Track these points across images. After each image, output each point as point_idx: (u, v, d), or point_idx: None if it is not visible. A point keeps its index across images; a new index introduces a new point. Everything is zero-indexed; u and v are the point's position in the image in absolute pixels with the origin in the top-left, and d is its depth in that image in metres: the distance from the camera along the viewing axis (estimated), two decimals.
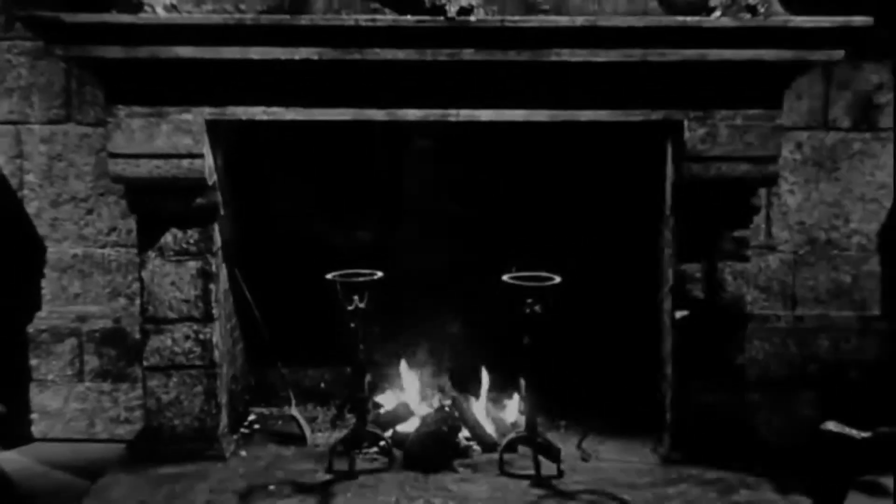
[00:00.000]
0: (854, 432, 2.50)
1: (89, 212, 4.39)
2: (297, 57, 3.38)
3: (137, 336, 4.29)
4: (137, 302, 4.25)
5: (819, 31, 3.34)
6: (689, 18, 3.38)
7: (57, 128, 4.36)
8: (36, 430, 4.39)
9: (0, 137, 4.34)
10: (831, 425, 2.56)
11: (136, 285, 4.34)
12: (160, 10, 3.32)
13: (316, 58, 3.39)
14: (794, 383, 4.40)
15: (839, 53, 3.40)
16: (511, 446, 3.76)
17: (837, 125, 4.34)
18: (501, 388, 4.11)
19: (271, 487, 3.54)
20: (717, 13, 3.35)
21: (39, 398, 4.41)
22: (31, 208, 4.39)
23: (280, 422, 4.16)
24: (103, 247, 4.42)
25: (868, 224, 4.39)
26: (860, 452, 2.49)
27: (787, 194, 4.36)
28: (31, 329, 4.43)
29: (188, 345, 3.74)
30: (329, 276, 3.62)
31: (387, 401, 4.14)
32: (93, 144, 4.34)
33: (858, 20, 3.35)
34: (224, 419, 3.82)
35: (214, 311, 3.74)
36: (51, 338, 4.42)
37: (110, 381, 4.44)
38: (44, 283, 4.45)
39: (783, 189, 4.34)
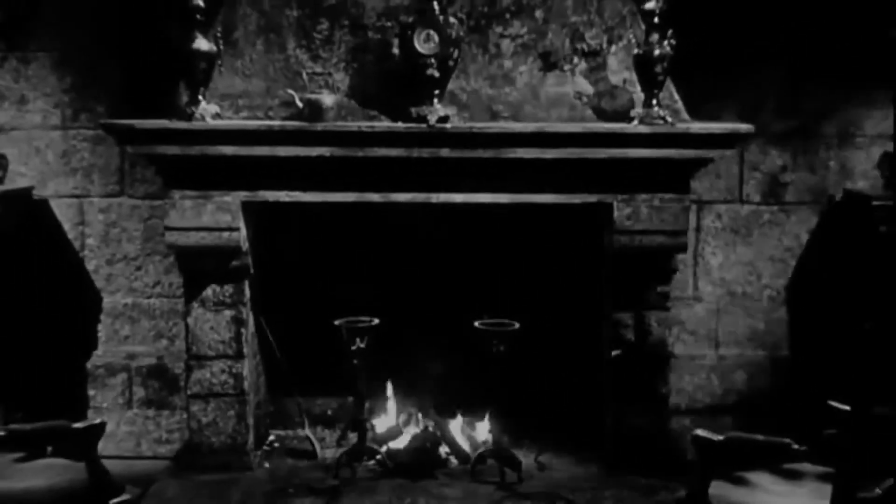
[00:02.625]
0: (714, 436, 3.37)
1: (138, 268, 5.15)
2: (313, 154, 4.26)
3: (177, 371, 5.13)
4: (177, 343, 5.10)
5: (713, 135, 4.27)
6: (614, 125, 4.30)
7: (112, 200, 5.11)
8: None
9: (66, 208, 5.09)
10: (700, 432, 3.43)
11: (175, 329, 5.12)
12: (208, 118, 4.26)
13: (328, 154, 4.27)
14: (716, 410, 5.18)
15: (730, 151, 4.34)
16: (481, 459, 4.54)
17: (750, 199, 5.14)
18: (474, 412, 4.80)
19: (290, 490, 4.37)
20: (636, 122, 4.29)
21: None
22: (90, 266, 5.14)
23: (295, 441, 4.93)
24: (149, 297, 5.17)
25: (777, 280, 5.18)
26: (717, 451, 3.37)
27: (710, 256, 5.17)
28: (89, 365, 5.16)
29: (223, 377, 4.56)
30: (336, 322, 4.45)
31: (382, 423, 4.82)
32: (142, 214, 5.12)
33: (744, 127, 4.30)
34: (251, 437, 4.64)
35: (244, 350, 4.56)
36: (105, 372, 5.17)
37: (154, 408, 5.20)
38: (100, 327, 5.17)
39: (707, 251, 5.18)
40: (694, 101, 4.67)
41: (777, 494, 3.31)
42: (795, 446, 3.23)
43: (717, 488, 3.32)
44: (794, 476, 3.40)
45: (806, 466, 3.39)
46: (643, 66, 4.25)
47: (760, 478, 3.41)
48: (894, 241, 4.57)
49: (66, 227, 5.18)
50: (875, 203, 4.71)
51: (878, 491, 3.08)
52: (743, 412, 5.20)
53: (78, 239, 5.19)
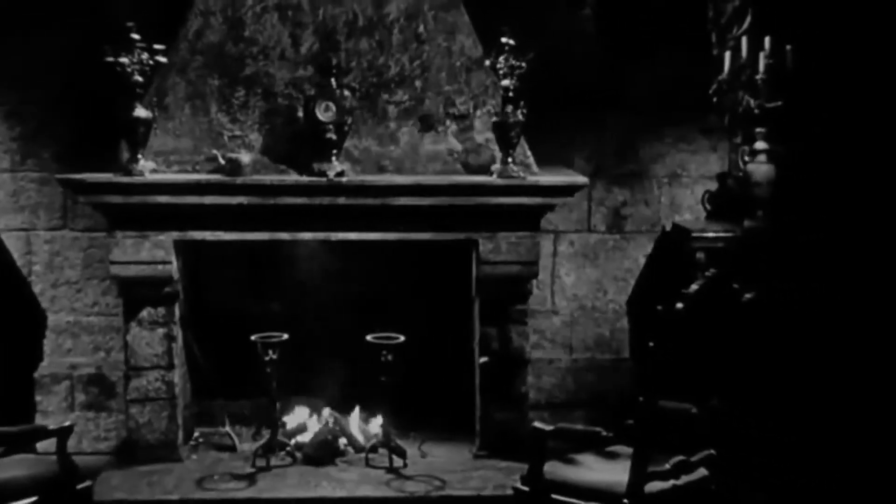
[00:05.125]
0: (546, 426, 4.31)
1: (78, 291, 5.92)
2: (233, 202, 5.17)
3: (114, 379, 5.91)
4: (113, 354, 5.89)
5: (556, 187, 5.30)
6: (478, 178, 5.29)
7: (56, 233, 5.88)
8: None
9: (16, 240, 5.85)
10: (537, 423, 4.38)
11: (112, 342, 5.89)
12: (147, 173, 5.14)
13: (245, 202, 5.18)
14: (571, 405, 6.11)
15: (570, 198, 5.37)
16: (374, 448, 5.42)
17: (597, 229, 6.11)
18: (369, 410, 5.61)
19: (216, 477, 5.25)
20: (496, 175, 5.27)
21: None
22: (37, 289, 5.89)
23: (217, 437, 5.73)
24: (88, 315, 5.93)
25: (620, 296, 6.15)
26: (548, 437, 4.32)
27: (565, 276, 6.12)
28: (36, 375, 5.89)
29: (157, 384, 5.40)
30: (252, 337, 5.29)
31: (291, 420, 5.60)
32: (82, 244, 5.88)
33: (581, 179, 5.35)
34: (181, 435, 5.48)
35: (175, 362, 5.40)
36: (51, 381, 5.91)
37: (93, 411, 5.93)
38: (45, 342, 5.92)
39: (562, 272, 6.12)
40: (551, 149, 5.73)
41: (596, 470, 4.25)
42: (605, 433, 4.22)
43: (551, 467, 4.26)
44: (612, 456, 4.34)
45: (624, 449, 4.27)
46: (500, 130, 5.25)
47: (586, 458, 4.36)
48: (707, 265, 5.59)
49: (16, 256, 5.94)
50: (693, 234, 5.76)
51: (667, 466, 4.11)
52: (593, 407, 6.11)
53: (26, 266, 5.95)
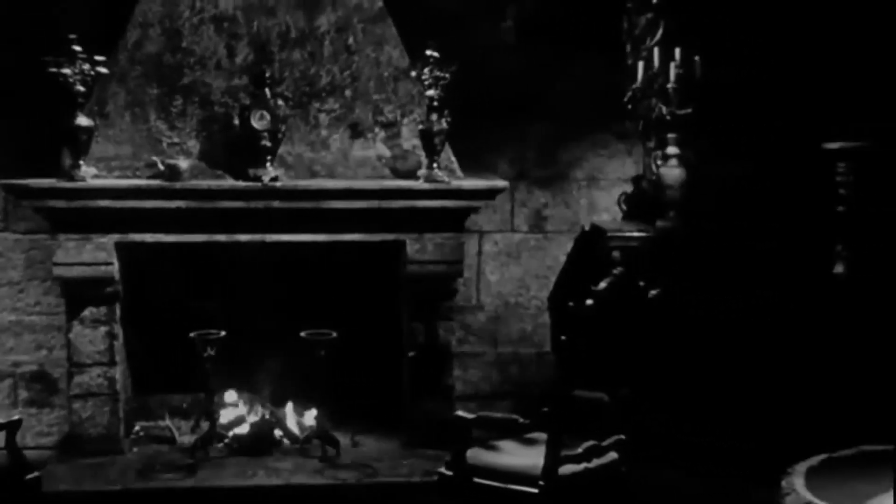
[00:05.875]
0: (468, 415, 4.62)
1: (21, 291, 6.06)
2: (172, 206, 5.41)
3: (56, 376, 6.06)
4: (55, 352, 6.03)
5: (478, 190, 5.62)
6: (405, 182, 5.58)
7: None
8: None
9: None
10: (459, 412, 4.70)
11: (53, 341, 6.03)
12: (89, 179, 5.38)
13: (184, 206, 5.42)
14: (496, 396, 6.38)
15: (492, 201, 5.70)
16: (308, 439, 5.68)
17: (520, 229, 6.40)
18: (303, 403, 5.79)
19: (157, 468, 5.48)
20: (421, 180, 5.57)
21: None
22: None
23: (157, 430, 5.92)
24: (30, 315, 6.06)
25: (541, 292, 6.44)
26: (470, 425, 4.63)
27: (489, 273, 6.40)
28: None
29: (99, 380, 5.60)
30: (191, 334, 5.48)
31: (228, 413, 5.76)
32: (23, 246, 6.01)
33: (501, 183, 5.67)
34: (122, 428, 5.70)
35: (116, 359, 5.63)
36: None
37: (36, 407, 6.08)
38: None
39: (487, 270, 6.39)
40: (477, 154, 6.06)
41: (515, 455, 4.53)
42: (522, 420, 4.54)
43: (474, 453, 4.53)
44: (530, 442, 4.60)
45: (541, 436, 4.49)
46: (426, 137, 5.56)
47: (507, 444, 4.64)
48: (622, 263, 5.95)
49: None
50: (609, 234, 6.12)
51: (580, 450, 4.44)
52: (517, 398, 6.40)
53: None
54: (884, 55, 5.64)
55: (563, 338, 4.35)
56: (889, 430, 4.34)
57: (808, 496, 3.62)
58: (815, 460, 3.98)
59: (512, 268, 6.51)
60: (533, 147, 6.46)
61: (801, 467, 3.89)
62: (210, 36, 5.72)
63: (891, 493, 3.67)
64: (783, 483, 3.77)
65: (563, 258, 6.52)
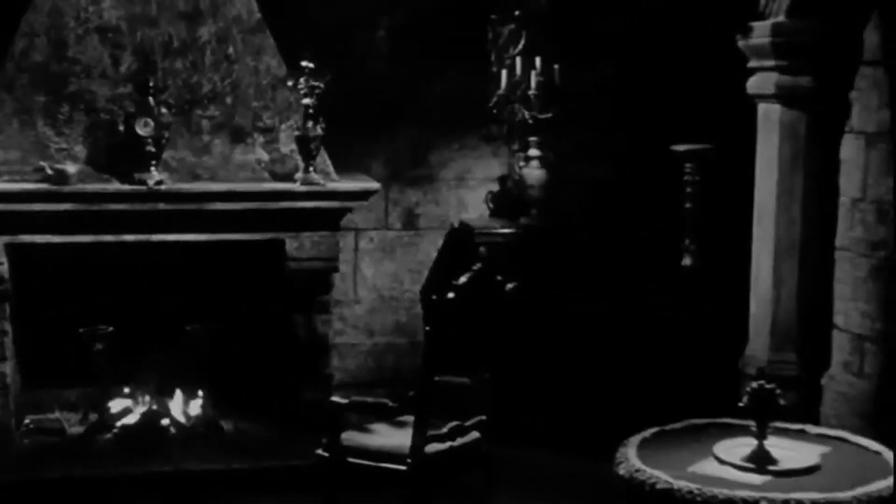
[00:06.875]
0: (342, 400, 5.01)
1: None
2: (61, 209, 5.65)
3: None
4: None
5: (352, 192, 6.00)
6: (283, 185, 5.90)
7: None
8: None
9: None
10: (334, 397, 5.08)
11: None
12: None
13: (72, 209, 5.66)
14: (373, 384, 6.71)
15: (366, 202, 6.11)
16: (194, 427, 6.01)
17: (394, 227, 6.81)
18: (190, 393, 6.07)
19: (47, 458, 5.77)
20: (298, 183, 5.92)
21: None
22: None
23: (47, 423, 6.07)
24: None
25: (414, 286, 6.84)
26: (344, 409, 5.02)
27: (366, 269, 6.79)
28: None
29: None
30: (80, 330, 5.81)
31: (117, 405, 5.97)
32: None
33: (374, 185, 6.05)
34: (13, 421, 5.93)
35: (7, 354, 5.83)
36: None
37: None
38: None
39: (364, 266, 6.79)
40: (352, 157, 6.46)
41: (386, 436, 4.90)
42: (391, 404, 4.92)
43: (348, 435, 4.89)
44: (401, 425, 4.95)
45: (410, 418, 4.81)
46: (302, 143, 5.91)
47: (379, 427, 5.01)
48: (489, 257, 6.41)
49: None
50: (476, 230, 6.58)
51: (444, 430, 4.86)
52: (393, 385, 6.67)
53: None
54: (723, 67, 6.17)
55: (427, 328, 4.75)
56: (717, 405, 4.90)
57: (638, 463, 4.08)
58: (648, 433, 4.44)
59: (386, 263, 6.90)
60: (405, 149, 6.86)
61: (636, 439, 4.35)
62: (95, 46, 5.97)
63: (711, 459, 4.19)
64: (618, 453, 4.24)
65: (434, 254, 6.93)
